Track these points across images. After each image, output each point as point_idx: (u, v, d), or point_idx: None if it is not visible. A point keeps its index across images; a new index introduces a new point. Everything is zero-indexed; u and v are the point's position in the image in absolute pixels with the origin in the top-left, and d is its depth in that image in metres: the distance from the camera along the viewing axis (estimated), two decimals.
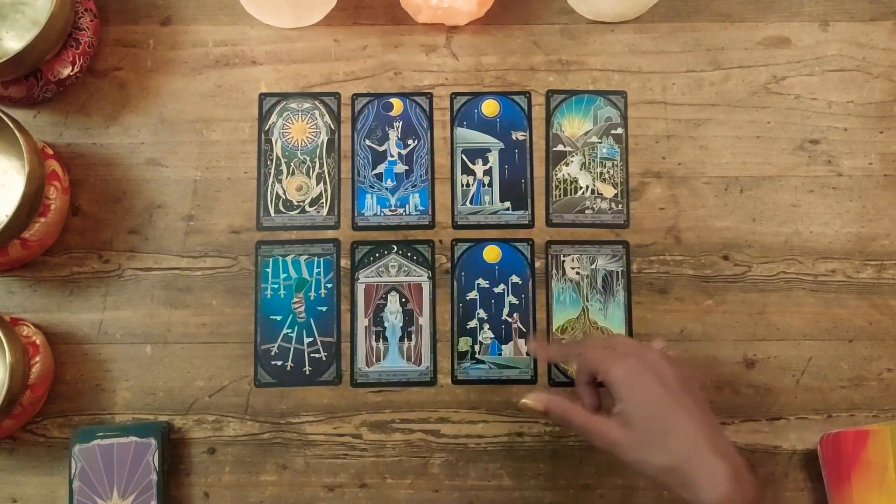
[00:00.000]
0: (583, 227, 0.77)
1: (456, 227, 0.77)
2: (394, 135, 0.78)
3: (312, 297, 0.76)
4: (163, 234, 0.76)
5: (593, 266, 0.76)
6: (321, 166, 0.78)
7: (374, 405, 0.74)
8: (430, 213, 0.77)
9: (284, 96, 0.79)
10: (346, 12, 0.80)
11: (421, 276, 0.76)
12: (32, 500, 0.73)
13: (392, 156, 0.78)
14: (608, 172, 0.78)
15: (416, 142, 0.78)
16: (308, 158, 0.78)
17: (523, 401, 0.62)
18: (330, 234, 0.77)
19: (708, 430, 0.54)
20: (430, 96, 0.79)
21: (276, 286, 0.76)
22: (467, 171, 0.78)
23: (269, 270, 0.76)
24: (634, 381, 0.57)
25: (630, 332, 0.75)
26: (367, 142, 0.78)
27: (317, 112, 0.79)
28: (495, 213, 0.77)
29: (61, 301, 0.75)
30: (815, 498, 0.73)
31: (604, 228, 0.77)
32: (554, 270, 0.76)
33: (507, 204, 0.77)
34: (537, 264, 0.76)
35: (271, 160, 0.78)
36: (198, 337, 0.75)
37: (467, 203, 0.77)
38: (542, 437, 0.74)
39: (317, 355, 0.75)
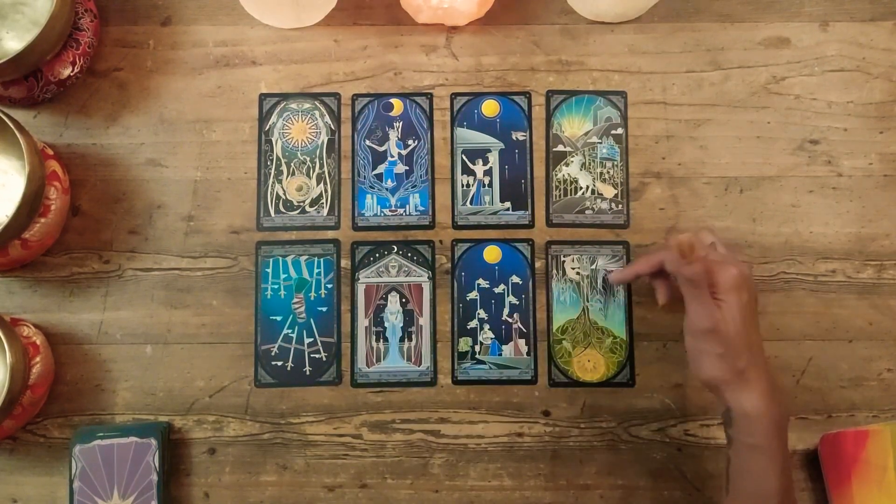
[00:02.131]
0: (583, 228, 0.77)
1: (456, 227, 0.77)
2: (394, 135, 0.78)
3: (313, 298, 0.76)
4: (163, 234, 0.76)
5: (593, 266, 0.76)
6: (321, 166, 0.78)
7: (374, 405, 0.74)
8: (430, 213, 0.77)
9: (284, 97, 0.79)
10: (346, 12, 0.80)
11: (421, 277, 0.76)
12: (32, 500, 0.73)
13: (392, 156, 0.78)
14: (608, 172, 0.78)
15: (416, 142, 0.78)
16: (308, 159, 0.78)
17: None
18: (330, 234, 0.77)
19: (761, 354, 0.61)
20: (430, 96, 0.79)
21: (276, 286, 0.76)
22: (467, 171, 0.78)
23: (270, 271, 0.76)
24: (741, 290, 0.60)
25: (630, 332, 0.75)
26: (368, 142, 0.78)
27: (317, 112, 0.79)
28: (495, 213, 0.77)
29: (61, 301, 0.75)
30: (815, 498, 0.73)
31: (604, 228, 0.77)
32: (554, 270, 0.76)
33: (508, 204, 0.77)
34: (537, 264, 0.76)
35: (271, 160, 0.78)
36: (198, 337, 0.75)
37: (467, 203, 0.77)
38: (542, 437, 0.74)
39: (317, 355, 0.75)
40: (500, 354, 0.75)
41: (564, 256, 0.76)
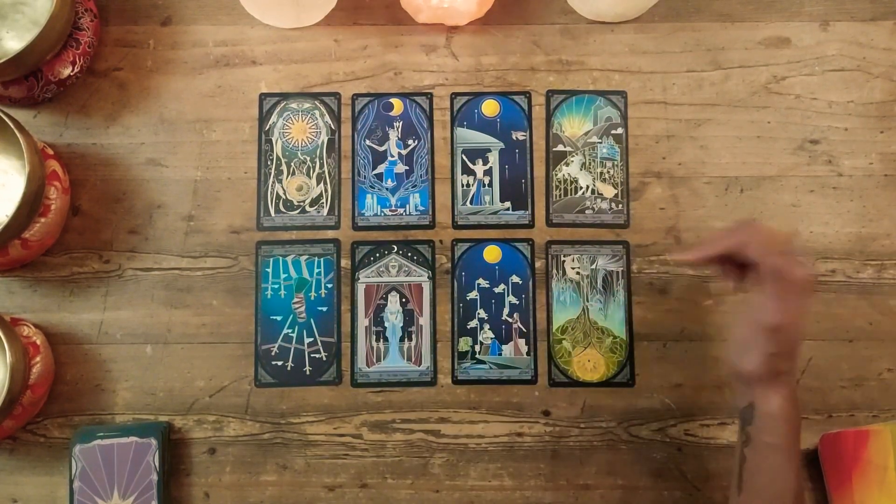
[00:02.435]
0: (583, 227, 0.77)
1: (456, 227, 0.77)
2: (394, 135, 0.78)
3: (313, 298, 0.76)
4: (163, 234, 0.76)
5: (593, 266, 0.76)
6: (321, 166, 0.78)
7: (374, 405, 0.74)
8: (430, 213, 0.77)
9: (284, 96, 0.79)
10: (346, 12, 0.80)
11: (421, 276, 0.76)
12: (32, 500, 0.73)
13: (392, 156, 0.78)
14: (608, 172, 0.78)
15: (416, 142, 0.78)
16: (308, 158, 0.78)
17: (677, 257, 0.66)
18: (330, 234, 0.77)
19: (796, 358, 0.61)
20: (430, 96, 0.79)
21: (276, 286, 0.76)
22: (467, 171, 0.78)
23: (270, 270, 0.76)
24: (808, 293, 0.59)
25: (630, 332, 0.75)
26: (368, 142, 0.78)
27: (317, 112, 0.79)
28: (495, 213, 0.77)
29: (61, 301, 0.75)
30: (815, 498, 0.73)
31: (604, 228, 0.77)
32: (554, 270, 0.76)
33: (508, 204, 0.77)
34: (537, 264, 0.76)
35: (271, 160, 0.78)
36: (198, 337, 0.75)
37: (467, 203, 0.77)
38: (542, 437, 0.74)
39: (317, 355, 0.75)
40: (500, 354, 0.75)
41: (564, 256, 0.76)
